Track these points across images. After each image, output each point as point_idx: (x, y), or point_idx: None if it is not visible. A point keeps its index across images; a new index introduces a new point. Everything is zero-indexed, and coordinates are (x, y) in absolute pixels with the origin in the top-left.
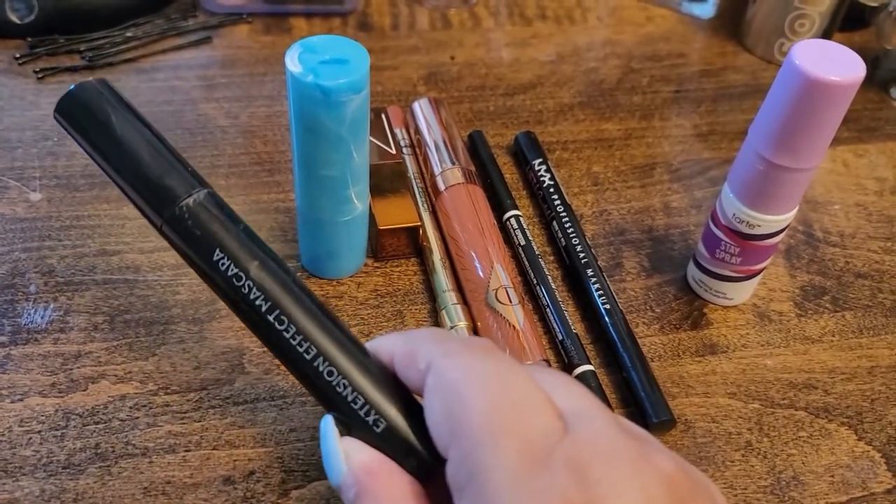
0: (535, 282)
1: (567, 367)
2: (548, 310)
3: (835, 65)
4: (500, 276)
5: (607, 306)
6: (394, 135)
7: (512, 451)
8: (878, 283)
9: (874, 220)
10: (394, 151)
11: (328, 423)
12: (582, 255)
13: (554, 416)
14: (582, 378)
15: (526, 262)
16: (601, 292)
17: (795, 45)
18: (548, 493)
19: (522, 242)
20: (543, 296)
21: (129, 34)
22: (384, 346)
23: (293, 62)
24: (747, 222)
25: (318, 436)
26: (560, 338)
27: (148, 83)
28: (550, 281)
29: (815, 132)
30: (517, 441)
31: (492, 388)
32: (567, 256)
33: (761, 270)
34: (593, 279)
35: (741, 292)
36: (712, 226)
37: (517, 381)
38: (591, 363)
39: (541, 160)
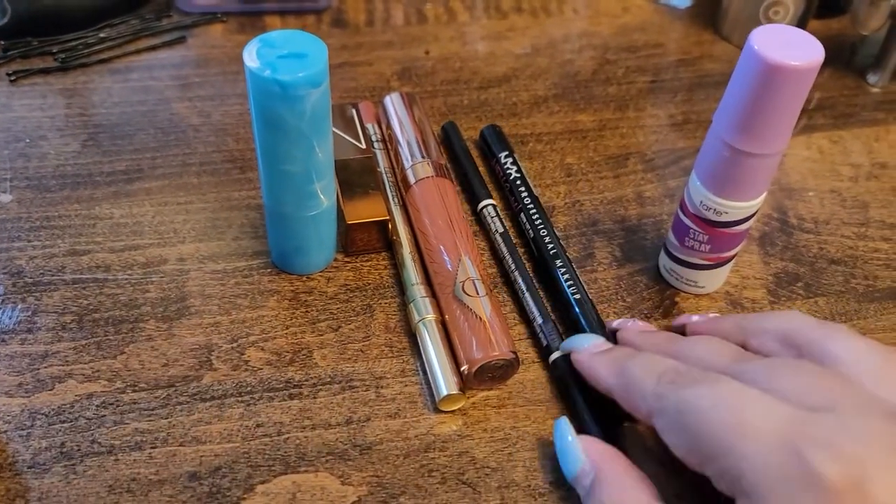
0: (511, 267)
1: (545, 352)
2: (524, 295)
3: (794, 49)
4: (468, 268)
5: (577, 296)
6: (364, 130)
7: (756, 446)
8: (852, 268)
9: (848, 206)
10: (364, 146)
11: (564, 422)
12: (550, 245)
13: (786, 411)
14: (556, 365)
15: (503, 249)
16: (570, 282)
17: (755, 31)
18: (802, 473)
19: (501, 230)
20: (519, 282)
21: (102, 35)
22: (600, 378)
23: (251, 57)
24: (714, 209)
25: (285, 431)
26: (539, 321)
27: (122, 83)
28: (526, 267)
29: (777, 117)
30: (759, 438)
31: (713, 413)
32: (535, 248)
33: (732, 258)
34: (562, 269)
35: (712, 280)
36: (681, 214)
37: (734, 396)
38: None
39: (507, 153)
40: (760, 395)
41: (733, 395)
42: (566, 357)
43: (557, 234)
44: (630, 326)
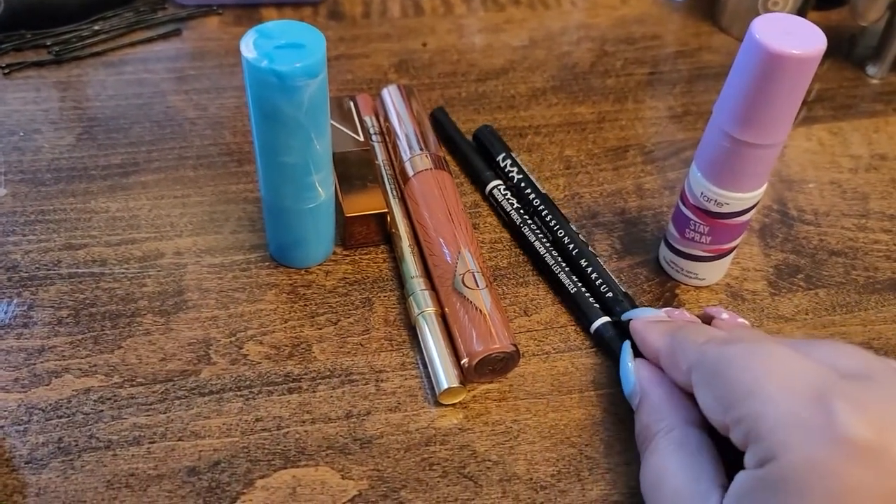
0: (538, 237)
1: (585, 322)
2: (557, 266)
3: (795, 38)
4: (468, 261)
5: (609, 294)
6: (363, 122)
7: (783, 394)
8: (852, 259)
9: (848, 198)
10: (362, 139)
11: (626, 346)
12: (571, 245)
13: (822, 370)
14: (598, 334)
15: (521, 224)
16: (600, 281)
17: (756, 20)
18: (827, 427)
19: (516, 205)
20: (553, 252)
21: (96, 27)
22: (650, 342)
23: (248, 48)
24: (715, 200)
25: (285, 425)
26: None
27: (116, 76)
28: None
29: (778, 107)
30: (787, 386)
31: (754, 353)
32: (558, 250)
33: (732, 249)
34: (588, 269)
35: (713, 272)
36: (681, 205)
37: (775, 350)
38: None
39: (504, 154)
40: (798, 355)
41: (772, 348)
42: (608, 325)
43: (574, 228)
44: (676, 315)
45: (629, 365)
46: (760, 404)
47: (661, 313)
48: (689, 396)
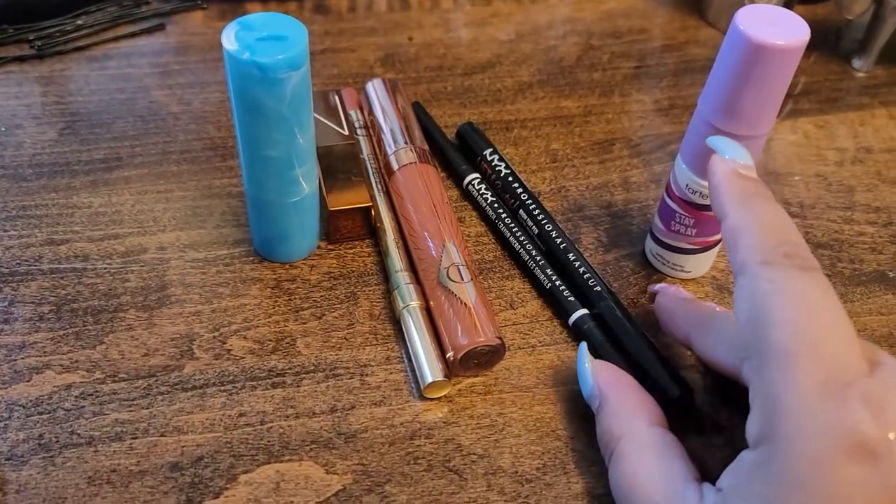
0: (510, 234)
1: (564, 315)
2: (533, 260)
3: (779, 29)
4: (452, 254)
5: (597, 288)
6: (347, 116)
7: (807, 376)
8: (838, 252)
9: (834, 191)
10: (347, 133)
11: (583, 347)
12: (559, 239)
13: (859, 353)
14: (577, 326)
15: (501, 216)
16: (588, 275)
17: (740, 10)
18: (838, 423)
19: (493, 199)
20: (528, 247)
21: (79, 22)
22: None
23: (229, 40)
24: (700, 193)
25: (268, 420)
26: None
27: (99, 71)
28: (544, 226)
29: (762, 98)
30: (815, 367)
31: (800, 309)
32: (543, 244)
33: (718, 242)
34: (577, 263)
35: (699, 265)
36: (667, 198)
37: (829, 308)
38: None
39: (491, 150)
40: (847, 326)
41: (830, 305)
42: (585, 318)
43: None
44: (672, 292)
45: (586, 366)
46: (787, 376)
47: (748, 158)
48: (650, 397)
